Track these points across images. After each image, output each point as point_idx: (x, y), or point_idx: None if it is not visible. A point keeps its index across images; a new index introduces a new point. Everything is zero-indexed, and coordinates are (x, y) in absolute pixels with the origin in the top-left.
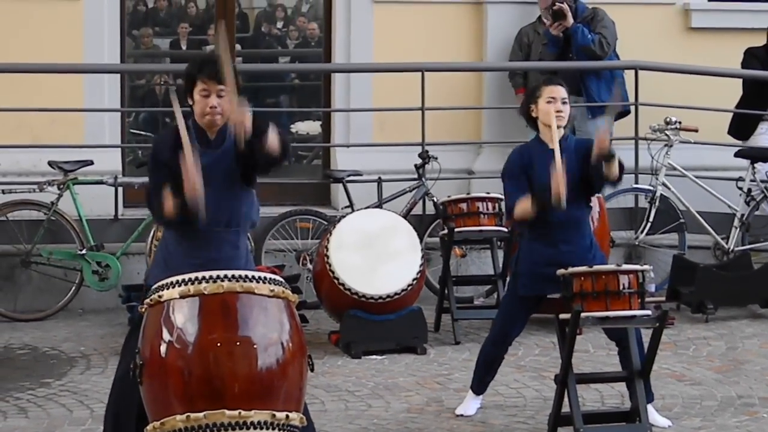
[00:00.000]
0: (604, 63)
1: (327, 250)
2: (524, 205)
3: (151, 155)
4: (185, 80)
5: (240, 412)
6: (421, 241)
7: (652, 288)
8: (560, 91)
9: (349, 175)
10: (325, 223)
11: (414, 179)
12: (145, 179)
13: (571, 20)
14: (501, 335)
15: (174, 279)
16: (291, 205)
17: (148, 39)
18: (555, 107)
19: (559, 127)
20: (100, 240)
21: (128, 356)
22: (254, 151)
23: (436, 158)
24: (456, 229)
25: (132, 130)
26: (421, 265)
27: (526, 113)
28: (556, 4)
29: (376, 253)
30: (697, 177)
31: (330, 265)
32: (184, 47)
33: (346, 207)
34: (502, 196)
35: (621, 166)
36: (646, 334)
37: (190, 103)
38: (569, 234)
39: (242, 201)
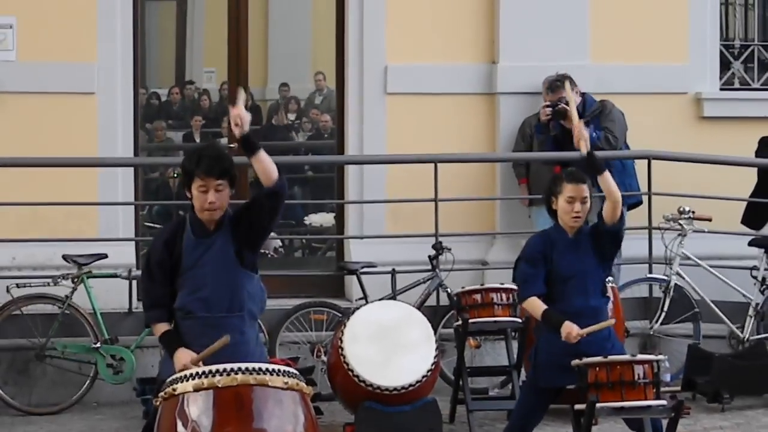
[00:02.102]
0: (617, 153)
1: (341, 342)
2: (537, 309)
3: (144, 260)
4: (183, 174)
5: None
6: (435, 332)
7: (667, 378)
8: (581, 191)
9: (362, 267)
10: (339, 315)
11: (428, 270)
12: None
13: (575, 121)
14: (519, 427)
15: (188, 372)
16: (305, 297)
17: (162, 132)
18: (574, 208)
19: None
20: (115, 333)
21: None
22: (253, 207)
23: (450, 249)
24: (470, 320)
25: (146, 223)
26: (435, 357)
27: (547, 204)
28: (560, 105)
29: (390, 344)
30: (711, 266)
31: (344, 357)
32: (197, 140)
33: (360, 299)
34: (516, 287)
35: (593, 155)
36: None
37: (189, 196)
38: (587, 324)
39: (243, 285)
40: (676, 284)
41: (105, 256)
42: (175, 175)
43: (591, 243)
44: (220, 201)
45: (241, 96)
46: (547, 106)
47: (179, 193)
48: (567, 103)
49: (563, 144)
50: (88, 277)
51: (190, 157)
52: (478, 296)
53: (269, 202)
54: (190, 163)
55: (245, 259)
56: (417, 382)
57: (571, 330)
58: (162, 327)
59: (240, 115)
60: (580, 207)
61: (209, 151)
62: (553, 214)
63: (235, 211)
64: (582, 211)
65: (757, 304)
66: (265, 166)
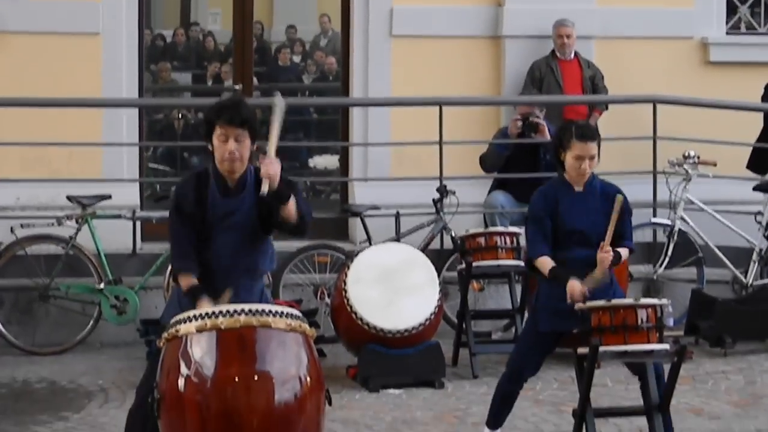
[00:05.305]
0: (621, 96)
1: (345, 285)
2: (545, 267)
3: (174, 206)
4: (204, 125)
5: None
6: (438, 276)
7: (670, 322)
8: (589, 149)
9: (367, 209)
10: (343, 257)
11: (432, 213)
12: (163, 213)
13: (547, 137)
14: (517, 372)
15: (191, 313)
16: (309, 240)
17: (166, 73)
18: (581, 166)
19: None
20: (118, 274)
21: (145, 389)
22: (272, 210)
23: (454, 192)
24: (474, 264)
25: (150, 165)
26: (439, 300)
27: (555, 155)
28: (532, 119)
29: (394, 287)
30: (715, 211)
31: (348, 300)
32: (209, 83)
33: (363, 241)
34: (520, 230)
35: (619, 256)
36: (667, 368)
37: (210, 148)
38: (589, 271)
39: (260, 249)
40: (680, 229)
41: (109, 197)
42: (180, 117)
43: (601, 202)
44: (240, 151)
45: (272, 145)
46: (518, 119)
47: (184, 135)
48: (538, 116)
49: (517, 163)
50: (91, 218)
51: (212, 107)
52: (481, 239)
53: (287, 230)
54: (210, 113)
55: (269, 228)
56: (420, 325)
57: (574, 291)
58: (190, 280)
59: (269, 174)
60: (588, 164)
61: (230, 101)
62: (560, 164)
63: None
64: (590, 167)
65: (761, 249)
66: (290, 212)
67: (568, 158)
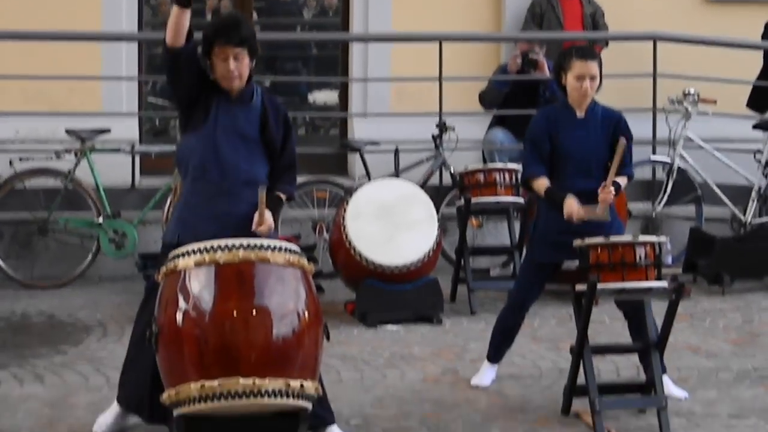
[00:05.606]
0: (621, 33)
1: (344, 220)
2: (540, 187)
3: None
4: (203, 43)
5: (254, 381)
6: (437, 212)
7: (668, 260)
8: (590, 68)
9: (366, 145)
10: (342, 192)
11: (431, 149)
12: (163, 148)
13: (546, 74)
14: (519, 303)
15: (190, 248)
16: (308, 175)
17: (166, 7)
18: (582, 86)
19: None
20: (117, 208)
21: (143, 323)
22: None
23: (454, 128)
24: (473, 200)
25: (149, 99)
26: (437, 236)
27: (557, 78)
28: (532, 55)
29: (392, 223)
30: (714, 149)
31: (346, 235)
32: (208, 17)
33: (362, 177)
34: (519, 167)
35: (618, 187)
36: (659, 311)
37: (209, 64)
38: (588, 203)
39: (263, 165)
40: (679, 166)
41: (108, 130)
42: None
43: (602, 128)
44: (239, 69)
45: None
46: (518, 56)
47: None
48: (538, 53)
49: (516, 100)
50: (90, 152)
51: (210, 25)
52: (480, 176)
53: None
54: (209, 31)
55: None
56: (419, 260)
57: (571, 210)
58: None
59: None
60: (589, 84)
61: (229, 19)
62: (562, 89)
63: (266, 120)
64: (591, 89)
65: (760, 188)
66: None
67: (570, 79)
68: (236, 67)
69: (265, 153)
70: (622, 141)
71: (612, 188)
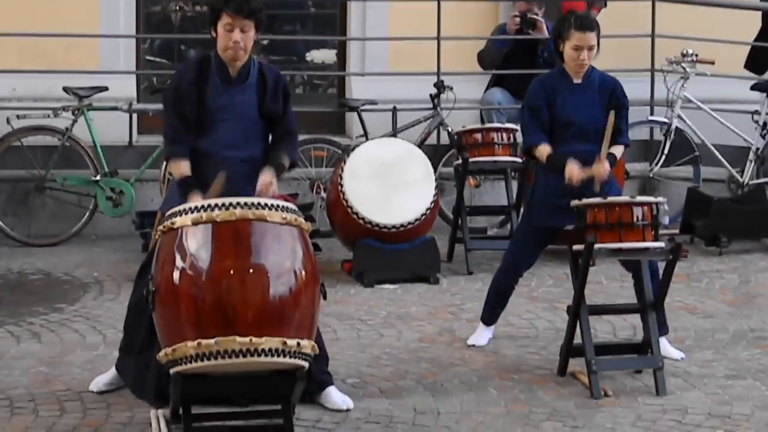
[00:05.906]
0: None
1: (341, 179)
2: (542, 153)
3: (173, 87)
4: (210, 12)
5: (251, 339)
6: (435, 171)
7: (666, 220)
8: (588, 39)
9: (363, 104)
10: (340, 151)
11: (429, 109)
12: (160, 106)
13: (545, 34)
14: (513, 265)
15: (187, 206)
16: (305, 134)
17: None
18: (580, 56)
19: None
20: (114, 166)
21: (143, 283)
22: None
23: (452, 88)
24: (470, 159)
25: (147, 57)
26: (434, 195)
27: (555, 44)
28: (530, 15)
29: (390, 182)
30: (712, 110)
31: (344, 194)
32: None
33: (360, 136)
34: (517, 127)
35: (614, 159)
36: (661, 266)
37: (213, 35)
38: (586, 166)
39: (263, 140)
40: (677, 127)
41: (105, 88)
42: (177, 9)
43: (599, 94)
44: (244, 41)
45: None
46: (516, 16)
47: (181, 28)
48: (536, 13)
49: (515, 60)
50: (88, 110)
51: None
52: (478, 135)
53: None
54: (218, 1)
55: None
56: (416, 220)
57: (572, 173)
58: (183, 166)
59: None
60: (587, 54)
61: None
62: (559, 55)
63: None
64: (588, 58)
65: (758, 149)
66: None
67: (567, 48)
68: (242, 39)
69: (263, 128)
70: (612, 116)
71: (607, 163)
